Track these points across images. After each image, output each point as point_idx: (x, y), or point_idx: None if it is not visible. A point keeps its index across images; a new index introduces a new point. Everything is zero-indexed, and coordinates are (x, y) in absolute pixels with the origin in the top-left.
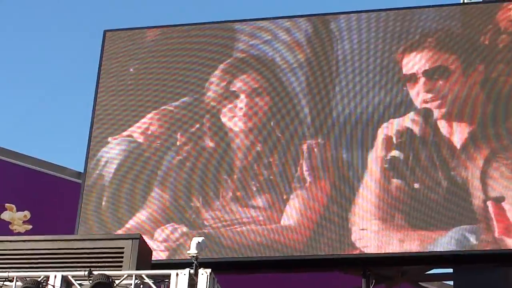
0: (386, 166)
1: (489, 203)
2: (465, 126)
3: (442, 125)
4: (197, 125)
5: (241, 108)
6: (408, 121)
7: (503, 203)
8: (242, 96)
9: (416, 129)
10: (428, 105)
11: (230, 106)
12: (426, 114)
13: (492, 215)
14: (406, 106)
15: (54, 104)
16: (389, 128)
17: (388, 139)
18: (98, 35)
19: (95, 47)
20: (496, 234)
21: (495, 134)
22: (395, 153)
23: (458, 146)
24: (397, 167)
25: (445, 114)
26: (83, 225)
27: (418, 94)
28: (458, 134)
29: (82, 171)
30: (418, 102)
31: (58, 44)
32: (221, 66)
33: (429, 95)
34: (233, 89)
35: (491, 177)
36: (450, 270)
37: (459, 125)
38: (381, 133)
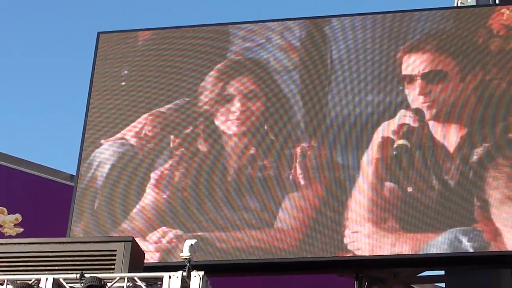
0: (380, 168)
1: (481, 206)
2: (458, 129)
3: (436, 128)
4: (190, 128)
5: (234, 112)
6: (403, 122)
7: (493, 207)
8: (236, 99)
9: (411, 131)
10: (423, 107)
11: (224, 109)
12: (420, 116)
13: (483, 219)
14: (401, 107)
15: (46, 106)
16: (384, 130)
17: (383, 141)
18: (91, 37)
19: (88, 49)
20: (488, 237)
21: (487, 137)
22: (389, 155)
23: (452, 149)
24: (391, 170)
25: (440, 117)
26: (75, 227)
27: (415, 95)
28: (452, 137)
29: (74, 174)
30: (414, 104)
31: (51, 46)
32: (215, 68)
33: (426, 98)
34: (227, 92)
35: (483, 182)
36: (442, 272)
37: (453, 128)
38: (376, 135)
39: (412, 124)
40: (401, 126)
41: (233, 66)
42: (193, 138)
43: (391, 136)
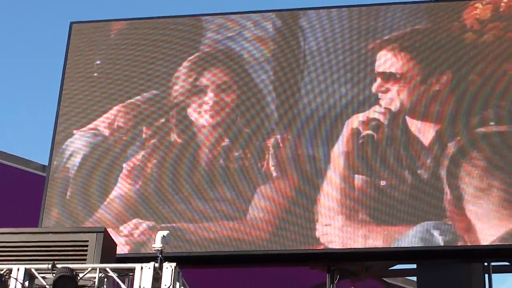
0: (351, 161)
1: (453, 201)
2: (432, 125)
3: (410, 123)
4: (163, 119)
5: (208, 103)
6: (374, 117)
7: (466, 201)
8: (210, 90)
9: (382, 126)
10: (396, 102)
11: (197, 100)
12: (393, 111)
13: (455, 213)
14: (372, 101)
15: (19, 96)
16: (355, 123)
17: (353, 135)
18: (64, 27)
19: (61, 39)
20: (460, 230)
21: (461, 133)
22: (361, 148)
23: (426, 144)
24: (363, 163)
25: (414, 112)
26: (47, 217)
27: (388, 91)
28: (425, 132)
29: (46, 164)
30: (387, 99)
31: (24, 35)
32: (189, 60)
33: (400, 93)
34: (201, 83)
35: (456, 176)
36: (414, 266)
37: (426, 123)
38: (348, 128)
39: (384, 118)
40: (372, 119)
41: (206, 57)
42: (165, 129)
43: (360, 128)
